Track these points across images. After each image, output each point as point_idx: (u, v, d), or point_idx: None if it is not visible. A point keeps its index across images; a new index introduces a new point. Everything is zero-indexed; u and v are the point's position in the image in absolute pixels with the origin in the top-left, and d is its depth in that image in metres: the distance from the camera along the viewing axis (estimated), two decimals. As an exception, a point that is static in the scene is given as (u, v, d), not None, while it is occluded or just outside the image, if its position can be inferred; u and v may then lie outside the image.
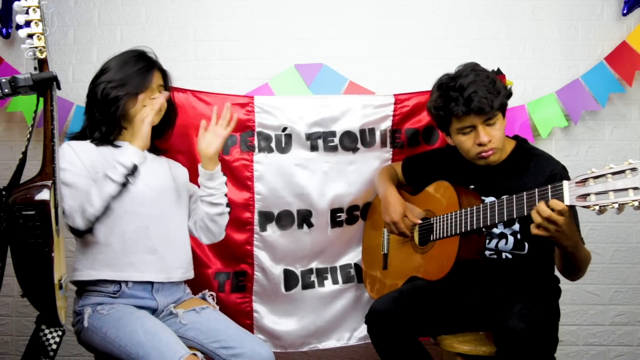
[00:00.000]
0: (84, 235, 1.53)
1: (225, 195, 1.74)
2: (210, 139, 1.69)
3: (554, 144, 2.44)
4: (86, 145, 1.64)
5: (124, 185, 1.51)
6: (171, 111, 1.79)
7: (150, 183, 1.64)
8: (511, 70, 2.29)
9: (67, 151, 1.59)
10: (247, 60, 2.47)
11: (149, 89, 1.68)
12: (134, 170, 1.52)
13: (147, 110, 1.59)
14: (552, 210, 1.34)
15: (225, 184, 1.74)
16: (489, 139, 1.62)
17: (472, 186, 1.74)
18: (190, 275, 1.76)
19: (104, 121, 1.65)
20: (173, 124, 1.82)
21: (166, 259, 1.66)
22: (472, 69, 1.65)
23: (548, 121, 2.37)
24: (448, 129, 1.71)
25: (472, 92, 1.59)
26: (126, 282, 1.59)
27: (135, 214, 1.61)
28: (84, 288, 1.62)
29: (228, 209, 1.75)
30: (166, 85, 1.76)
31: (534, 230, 1.39)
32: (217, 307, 1.75)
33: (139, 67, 1.68)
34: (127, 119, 1.67)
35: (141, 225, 1.62)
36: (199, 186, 1.74)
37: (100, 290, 1.59)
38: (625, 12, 2.39)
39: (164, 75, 1.76)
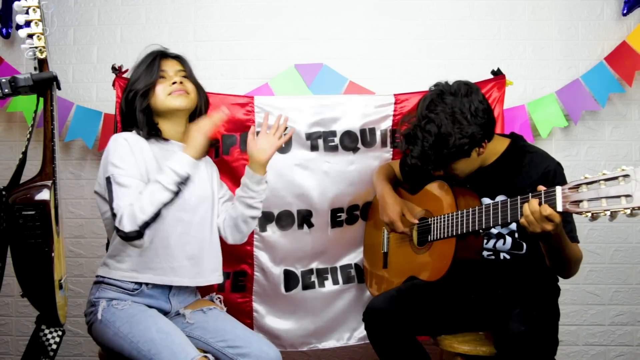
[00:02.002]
0: (132, 240, 1.49)
1: (261, 202, 1.74)
2: (264, 147, 1.69)
3: (554, 144, 2.44)
4: (140, 140, 1.62)
5: (177, 193, 1.50)
6: (204, 102, 1.79)
7: (193, 190, 1.64)
8: (511, 70, 2.28)
9: (122, 146, 1.56)
10: (247, 60, 2.47)
11: (163, 77, 1.68)
12: (186, 181, 1.52)
13: (206, 123, 1.58)
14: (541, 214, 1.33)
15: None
16: (439, 174, 1.66)
17: (468, 185, 1.74)
18: (221, 278, 1.76)
19: (139, 123, 1.65)
20: (203, 111, 1.79)
21: (203, 264, 1.67)
22: (439, 113, 1.56)
23: (548, 121, 2.37)
24: None
25: (412, 149, 1.61)
26: (147, 282, 1.59)
27: (179, 220, 1.62)
28: (103, 280, 1.61)
29: (260, 214, 1.77)
30: (187, 70, 1.75)
31: (522, 220, 1.39)
32: (225, 309, 1.76)
33: (147, 63, 1.69)
34: (155, 113, 1.67)
35: (183, 231, 1.63)
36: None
37: (119, 286, 1.58)
38: (625, 12, 2.39)
39: (181, 60, 1.75)
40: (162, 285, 1.61)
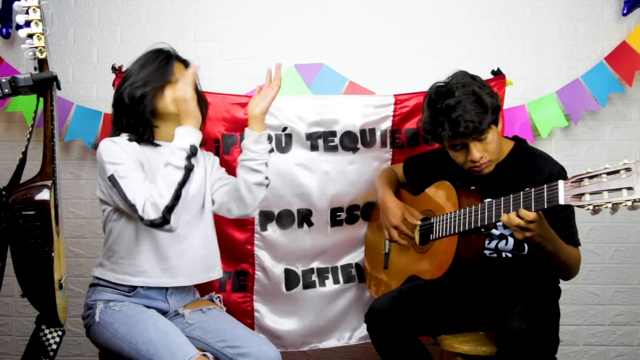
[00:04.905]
0: (159, 227, 1.45)
1: (267, 165, 1.66)
2: (258, 100, 1.65)
3: (554, 144, 2.44)
4: (130, 143, 1.58)
5: (189, 169, 1.46)
6: (202, 103, 1.73)
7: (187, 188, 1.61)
8: (511, 70, 2.28)
9: (112, 147, 1.53)
10: (247, 60, 2.47)
11: (172, 81, 1.63)
12: (194, 152, 1.47)
13: (183, 86, 1.51)
14: (522, 219, 1.37)
15: (270, 152, 1.67)
16: (481, 155, 1.62)
17: (472, 187, 1.75)
18: (220, 274, 1.74)
19: (138, 123, 1.60)
20: (204, 116, 1.76)
21: (198, 262, 1.65)
22: (461, 84, 1.61)
23: (548, 121, 2.37)
24: (442, 143, 1.72)
25: (458, 116, 1.56)
26: (141, 285, 1.58)
27: None
28: (99, 282, 1.60)
29: (267, 182, 1.68)
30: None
31: (516, 235, 1.43)
32: (224, 309, 1.75)
33: (158, 62, 1.64)
34: (157, 116, 1.63)
35: None
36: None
37: (115, 287, 1.58)
38: (625, 12, 2.39)
39: (186, 65, 1.72)
40: (158, 286, 1.61)
